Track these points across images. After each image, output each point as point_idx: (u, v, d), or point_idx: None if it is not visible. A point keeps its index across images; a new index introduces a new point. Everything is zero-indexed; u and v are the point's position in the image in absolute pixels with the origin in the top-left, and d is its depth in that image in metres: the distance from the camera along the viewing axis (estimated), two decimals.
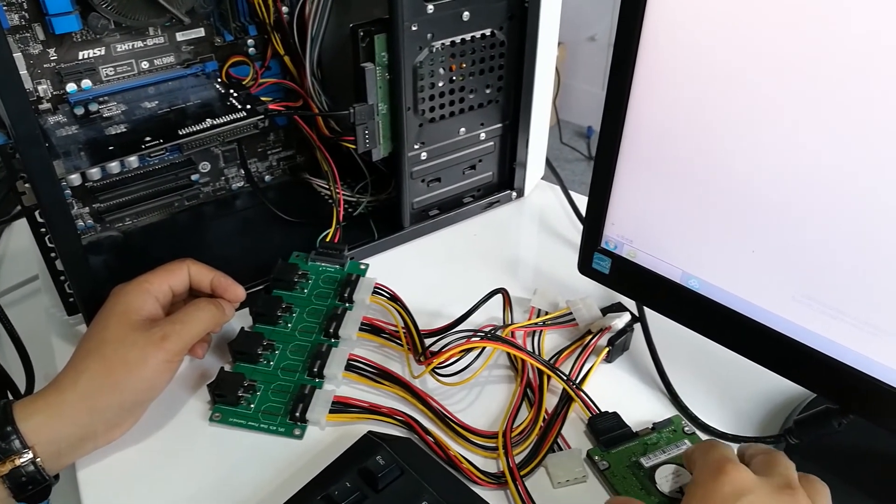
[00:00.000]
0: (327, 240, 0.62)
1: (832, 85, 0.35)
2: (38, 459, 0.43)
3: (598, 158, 0.46)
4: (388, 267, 0.61)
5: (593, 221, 0.49)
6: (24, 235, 0.90)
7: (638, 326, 0.56)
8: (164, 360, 0.47)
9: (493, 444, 0.48)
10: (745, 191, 0.41)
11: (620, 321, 0.54)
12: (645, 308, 0.56)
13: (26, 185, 0.49)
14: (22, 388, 0.59)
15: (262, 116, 0.57)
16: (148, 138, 0.54)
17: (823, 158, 0.37)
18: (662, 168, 0.44)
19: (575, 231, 0.69)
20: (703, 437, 0.48)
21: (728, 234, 0.42)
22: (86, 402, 0.45)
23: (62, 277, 0.56)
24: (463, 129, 0.64)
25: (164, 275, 0.52)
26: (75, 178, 0.53)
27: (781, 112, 0.38)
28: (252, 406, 0.50)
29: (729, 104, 0.39)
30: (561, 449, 0.48)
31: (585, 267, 0.51)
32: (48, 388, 0.46)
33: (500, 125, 0.67)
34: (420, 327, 0.55)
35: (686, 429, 0.48)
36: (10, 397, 0.58)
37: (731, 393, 0.52)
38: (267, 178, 0.73)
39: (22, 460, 0.42)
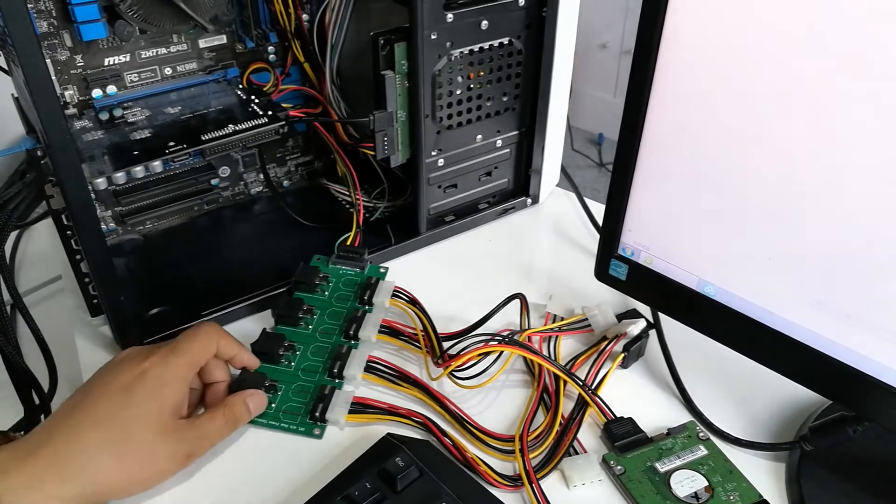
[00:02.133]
0: (347, 243, 0.63)
1: (855, 94, 0.36)
2: None
3: (615, 165, 0.47)
4: (405, 271, 0.62)
5: (610, 228, 0.49)
6: (42, 238, 0.92)
7: (653, 333, 0.56)
8: (179, 470, 0.46)
9: (510, 448, 0.49)
10: (763, 197, 0.41)
11: (636, 327, 0.55)
12: (660, 314, 0.57)
13: (55, 188, 0.50)
14: (45, 386, 0.60)
15: (283, 122, 0.58)
16: (171, 143, 0.55)
17: (844, 165, 0.38)
18: (680, 174, 0.44)
19: (590, 238, 0.69)
20: (718, 442, 0.49)
21: (744, 240, 0.43)
22: (88, 497, 0.42)
23: (87, 279, 0.57)
24: (480, 136, 0.65)
25: (199, 354, 0.48)
26: (101, 182, 0.54)
27: (803, 120, 0.38)
28: (273, 405, 0.51)
29: (750, 110, 0.40)
30: (577, 453, 0.48)
31: (602, 273, 0.51)
32: (44, 462, 0.41)
33: (516, 132, 0.67)
34: (438, 331, 0.55)
35: (701, 434, 0.49)
36: (35, 397, 0.59)
37: (745, 399, 0.52)
38: (285, 183, 0.74)
39: None
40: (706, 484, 0.45)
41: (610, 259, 0.50)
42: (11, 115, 0.56)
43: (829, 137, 0.37)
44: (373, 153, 0.61)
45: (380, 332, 0.56)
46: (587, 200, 0.72)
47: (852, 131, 0.37)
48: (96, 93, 0.59)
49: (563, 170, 0.74)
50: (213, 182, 0.69)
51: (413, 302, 0.57)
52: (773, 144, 0.40)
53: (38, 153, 0.49)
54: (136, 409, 0.44)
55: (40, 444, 0.43)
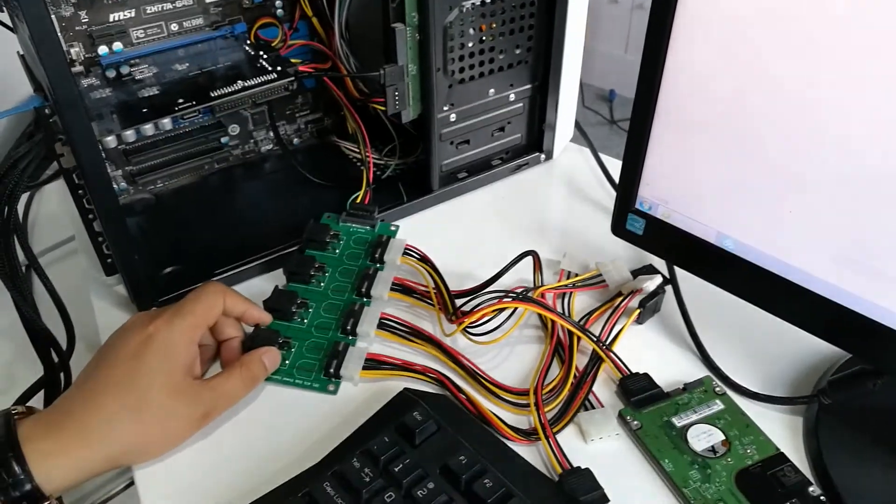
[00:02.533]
0: (357, 201, 0.63)
1: (883, 38, 0.35)
2: (54, 503, 0.42)
3: (633, 116, 0.46)
4: (417, 229, 0.61)
5: (627, 182, 0.48)
6: (53, 200, 0.92)
7: (668, 289, 0.56)
8: (197, 430, 0.46)
9: (525, 402, 0.49)
10: (786, 149, 0.40)
11: (652, 283, 0.54)
12: (676, 270, 0.56)
13: (65, 146, 0.50)
14: (63, 345, 0.61)
15: (293, 78, 0.57)
16: (181, 100, 0.55)
17: (874, 114, 0.37)
18: (700, 126, 0.43)
19: (604, 193, 0.68)
20: (735, 397, 0.48)
21: (766, 193, 0.42)
22: (112, 460, 0.43)
23: (100, 239, 0.57)
24: (492, 91, 0.64)
25: (204, 315, 0.48)
26: (111, 141, 0.54)
27: (831, 64, 0.37)
28: (287, 362, 0.51)
29: (774, 56, 0.39)
30: (593, 407, 0.48)
31: (619, 228, 0.51)
32: (69, 431, 0.43)
33: (529, 86, 0.66)
34: (450, 288, 0.55)
35: (717, 389, 0.49)
36: (54, 356, 0.60)
37: (762, 354, 0.52)
38: (295, 140, 0.73)
39: None
40: (723, 438, 0.45)
41: (627, 214, 0.49)
42: (18, 75, 0.56)
43: (860, 85, 0.36)
44: (383, 108, 0.60)
45: (392, 289, 0.56)
46: (602, 156, 0.71)
47: (887, 74, 0.35)
48: (102, 50, 0.58)
49: (578, 125, 0.73)
50: (223, 140, 0.68)
51: (424, 259, 0.57)
52: (799, 91, 0.39)
53: (47, 111, 0.49)
54: (148, 374, 0.44)
55: (63, 414, 0.44)
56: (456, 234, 0.65)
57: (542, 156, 0.71)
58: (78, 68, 0.57)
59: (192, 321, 0.47)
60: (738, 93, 0.41)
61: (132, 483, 0.87)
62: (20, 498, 0.40)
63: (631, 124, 0.46)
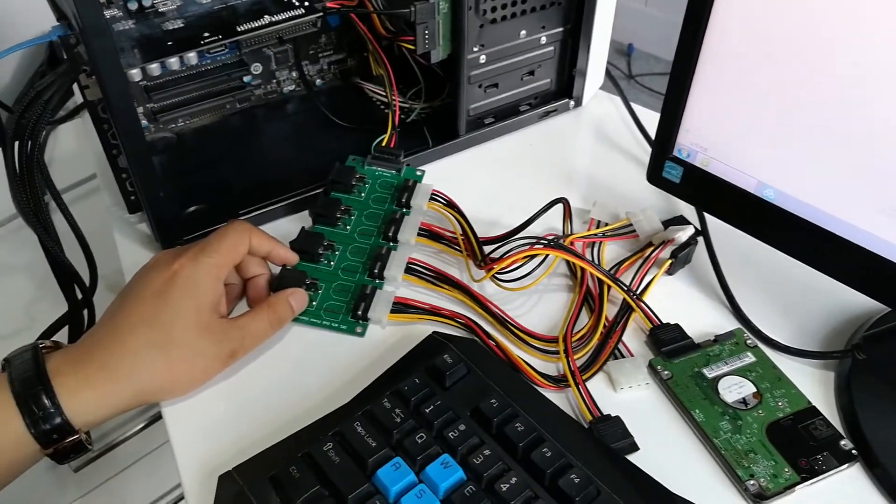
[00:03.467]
0: (382, 145, 0.61)
1: None
2: (83, 437, 0.42)
3: (676, 61, 0.44)
4: (443, 175, 0.60)
5: (666, 128, 0.47)
6: (69, 140, 0.91)
7: (700, 240, 0.55)
8: (221, 370, 0.46)
9: (554, 349, 0.49)
10: (838, 95, 0.39)
11: (684, 234, 0.53)
12: (708, 221, 0.55)
13: (90, 78, 0.49)
14: (86, 280, 0.60)
15: (322, 14, 0.55)
16: (206, 34, 0.53)
17: None
18: (749, 69, 0.42)
19: (634, 142, 0.67)
20: (767, 350, 0.48)
21: (814, 142, 0.41)
22: (139, 396, 0.43)
23: (124, 175, 0.56)
24: (524, 32, 0.62)
25: (230, 253, 0.47)
26: (136, 73, 0.52)
27: (884, 15, 0.36)
28: (314, 303, 0.51)
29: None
30: (622, 357, 0.48)
31: (655, 176, 0.49)
32: (96, 366, 0.42)
33: (561, 29, 0.64)
34: (478, 235, 0.54)
35: (748, 342, 0.48)
36: (78, 292, 0.60)
37: (795, 307, 0.51)
38: (318, 82, 0.71)
39: (66, 441, 0.41)
40: (754, 390, 0.45)
41: (665, 161, 0.48)
42: (25, 13, 0.54)
43: None
44: (412, 48, 0.58)
45: (418, 234, 0.55)
46: (634, 105, 0.69)
47: None
48: None
49: (608, 72, 0.71)
50: (246, 79, 0.67)
51: (451, 205, 0.56)
52: (854, 36, 0.37)
53: (72, 40, 0.47)
54: (173, 311, 0.44)
55: (90, 350, 0.43)
56: (482, 180, 0.64)
57: (572, 102, 0.69)
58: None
59: (218, 259, 0.47)
60: (792, 34, 0.39)
61: (150, 423, 0.88)
62: (50, 431, 0.41)
63: (674, 66, 0.44)
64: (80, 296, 0.60)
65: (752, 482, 0.41)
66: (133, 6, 0.56)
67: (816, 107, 0.40)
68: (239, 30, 0.53)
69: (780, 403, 0.44)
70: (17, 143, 0.50)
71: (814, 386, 0.46)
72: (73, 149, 0.91)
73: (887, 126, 0.38)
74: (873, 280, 0.42)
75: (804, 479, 0.41)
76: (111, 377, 0.42)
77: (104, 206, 0.62)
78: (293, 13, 0.55)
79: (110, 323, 0.45)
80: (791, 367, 0.47)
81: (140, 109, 0.63)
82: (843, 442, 0.42)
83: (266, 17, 0.55)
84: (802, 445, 0.42)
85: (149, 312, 0.44)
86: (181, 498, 0.90)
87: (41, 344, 0.44)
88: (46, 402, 0.40)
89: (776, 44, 0.40)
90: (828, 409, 0.45)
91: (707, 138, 0.46)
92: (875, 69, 0.37)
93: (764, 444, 0.42)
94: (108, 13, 0.55)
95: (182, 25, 0.54)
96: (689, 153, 0.47)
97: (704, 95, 0.45)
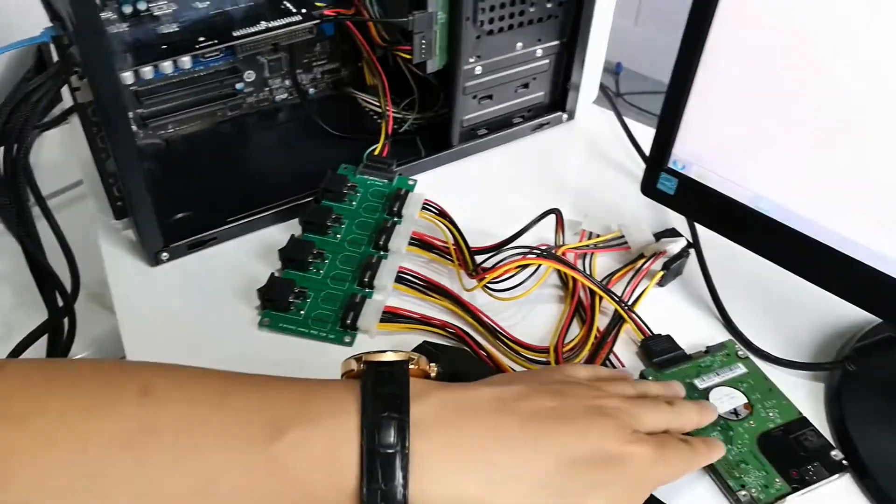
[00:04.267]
0: (375, 154, 0.61)
1: None
2: None
3: (674, 72, 0.45)
4: (436, 185, 0.60)
5: (662, 139, 0.47)
6: (54, 147, 0.90)
7: (692, 252, 0.55)
8: None
9: (545, 359, 0.48)
10: (833, 108, 0.39)
11: (676, 245, 0.53)
12: (700, 233, 0.56)
13: (81, 80, 0.48)
14: (68, 287, 0.60)
15: (319, 21, 0.55)
16: (201, 38, 0.53)
17: None
18: (744, 83, 0.42)
19: (626, 156, 0.67)
20: (758, 361, 0.48)
21: (809, 154, 0.41)
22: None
23: (111, 180, 0.55)
24: (520, 44, 0.62)
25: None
26: (128, 77, 0.52)
27: (876, 25, 0.36)
28: (302, 312, 0.50)
29: (828, 8, 0.37)
30: (613, 367, 0.48)
31: (649, 188, 0.49)
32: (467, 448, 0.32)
33: (557, 42, 0.64)
34: (469, 244, 0.54)
35: (740, 353, 0.48)
36: (59, 299, 0.59)
37: (786, 319, 0.51)
38: (311, 91, 0.71)
39: None
40: (745, 401, 0.45)
41: (659, 172, 0.48)
42: (20, 11, 0.54)
43: None
44: (408, 57, 0.58)
45: (410, 243, 0.55)
46: (626, 119, 0.70)
47: None
48: None
49: (602, 87, 0.71)
50: (238, 87, 0.66)
51: (443, 214, 0.56)
52: (853, 46, 0.37)
53: (65, 41, 0.47)
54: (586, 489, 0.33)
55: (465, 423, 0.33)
56: (475, 191, 0.63)
57: (565, 116, 0.70)
58: (95, 1, 0.55)
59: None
60: (788, 49, 0.40)
61: None
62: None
63: (672, 77, 0.45)
64: (61, 303, 0.59)
65: (743, 493, 0.40)
66: (128, 10, 0.56)
67: (810, 119, 0.40)
68: (234, 35, 0.53)
69: (771, 414, 0.44)
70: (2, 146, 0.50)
71: (805, 397, 0.46)
72: (59, 155, 0.90)
73: (878, 138, 0.38)
74: (865, 291, 0.42)
75: (795, 490, 0.41)
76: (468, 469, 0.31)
77: (89, 214, 0.61)
78: (290, 20, 0.55)
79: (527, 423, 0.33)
80: (782, 379, 0.47)
81: (129, 115, 0.62)
82: (833, 452, 0.42)
83: (262, 23, 0.55)
84: (793, 456, 0.42)
85: (568, 456, 0.33)
86: None
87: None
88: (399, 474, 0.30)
89: (772, 58, 0.41)
90: (818, 419, 0.45)
91: (702, 150, 0.46)
92: (868, 83, 0.37)
93: (755, 454, 0.42)
94: (102, 16, 0.55)
95: (177, 29, 0.54)
96: (684, 165, 0.47)
97: (701, 107, 0.45)
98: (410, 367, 0.34)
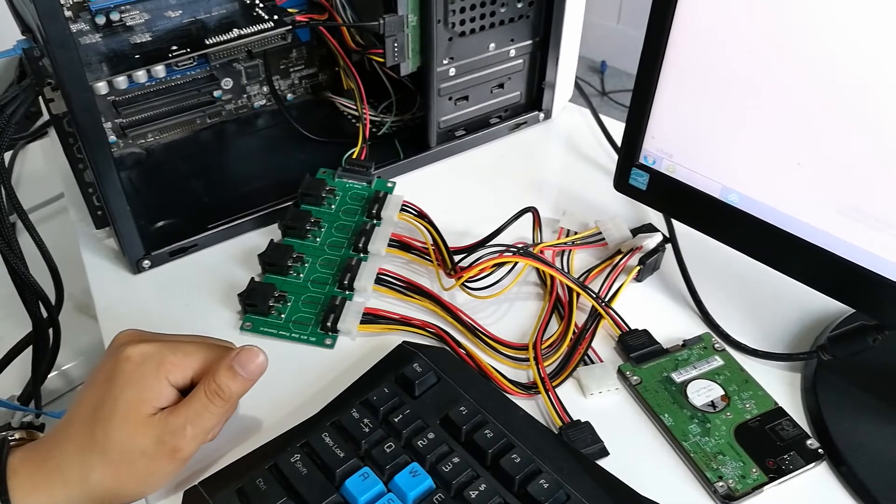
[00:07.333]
0: (353, 157, 0.62)
1: None
2: None
3: (640, 69, 0.45)
4: (414, 187, 0.60)
5: (632, 135, 0.48)
6: (37, 159, 0.90)
7: (668, 247, 0.55)
8: (174, 469, 0.40)
9: (524, 356, 0.49)
10: (796, 98, 0.40)
11: (652, 241, 0.54)
12: (676, 228, 0.56)
13: (55, 91, 0.48)
14: (52, 298, 0.60)
15: (290, 27, 0.55)
16: (174, 47, 0.53)
17: (879, 64, 0.36)
18: (709, 76, 0.42)
19: (603, 153, 0.68)
20: (734, 353, 0.48)
21: (774, 146, 0.42)
22: (91, 500, 0.39)
23: (90, 190, 0.55)
24: (493, 45, 0.63)
25: (193, 362, 0.41)
26: (102, 87, 0.52)
27: (838, 14, 0.36)
28: (283, 316, 0.51)
29: (783, 5, 0.38)
30: (592, 363, 0.48)
31: (622, 183, 0.50)
32: (51, 467, 0.39)
33: (530, 42, 0.65)
34: (448, 244, 0.54)
35: (716, 345, 0.49)
36: (43, 310, 0.59)
37: (762, 311, 0.52)
38: (289, 96, 0.71)
39: None
40: (722, 393, 0.45)
41: (631, 168, 0.48)
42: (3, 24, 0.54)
43: (867, 33, 0.36)
44: (381, 60, 0.59)
45: (389, 245, 0.55)
46: (607, 116, 0.70)
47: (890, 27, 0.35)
48: None
49: (577, 85, 0.72)
50: (216, 94, 0.66)
51: (422, 216, 0.56)
52: (809, 40, 0.38)
53: (36, 53, 0.47)
54: (113, 402, 0.39)
55: (51, 446, 0.40)
56: (453, 192, 0.64)
57: (541, 115, 0.70)
58: (67, 13, 0.55)
59: (175, 359, 0.41)
60: (748, 41, 0.40)
61: None
62: None
63: (638, 74, 0.45)
64: (45, 314, 0.59)
65: (720, 484, 0.41)
66: (101, 20, 0.56)
67: (774, 110, 0.41)
68: (207, 43, 0.53)
69: (747, 405, 0.45)
70: None
71: (781, 387, 0.47)
72: (40, 168, 0.90)
73: (842, 128, 0.39)
74: (834, 281, 0.43)
75: (772, 479, 0.41)
76: (63, 481, 0.38)
77: (71, 225, 0.62)
78: (262, 26, 0.55)
79: (72, 411, 0.40)
80: (758, 370, 0.47)
81: (108, 125, 0.62)
82: (809, 441, 0.43)
83: (235, 30, 0.55)
84: (770, 446, 0.43)
85: (93, 402, 0.40)
86: None
87: (11, 437, 0.42)
88: None
89: (734, 50, 0.41)
90: (794, 409, 0.45)
91: (672, 144, 0.47)
92: (830, 74, 0.38)
93: (732, 445, 0.43)
94: (74, 27, 0.55)
95: (150, 39, 0.54)
96: (654, 160, 0.48)
97: (668, 102, 0.45)
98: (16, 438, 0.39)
